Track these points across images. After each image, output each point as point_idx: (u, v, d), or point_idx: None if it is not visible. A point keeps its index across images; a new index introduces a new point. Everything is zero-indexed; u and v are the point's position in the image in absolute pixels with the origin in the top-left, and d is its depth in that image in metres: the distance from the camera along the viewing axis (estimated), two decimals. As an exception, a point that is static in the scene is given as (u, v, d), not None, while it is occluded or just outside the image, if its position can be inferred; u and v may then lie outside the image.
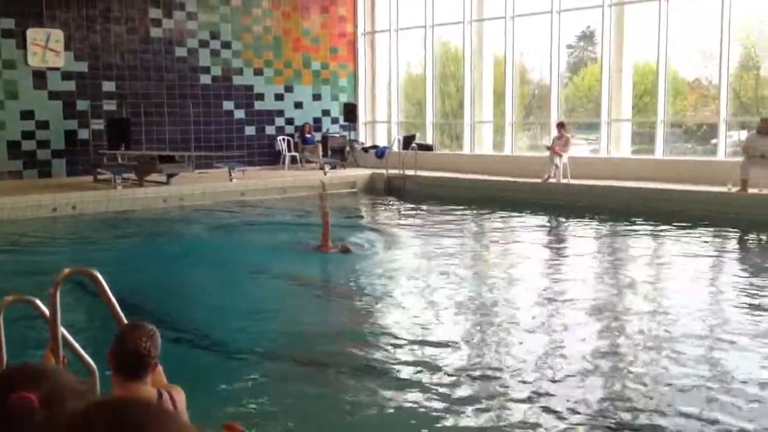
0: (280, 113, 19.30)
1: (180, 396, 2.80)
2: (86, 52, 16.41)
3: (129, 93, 16.91)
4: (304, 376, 5.39)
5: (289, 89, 19.39)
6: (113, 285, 3.12)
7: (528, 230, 11.98)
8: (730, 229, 11.15)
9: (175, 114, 17.44)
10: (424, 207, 14.34)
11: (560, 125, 15.13)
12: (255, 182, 15.94)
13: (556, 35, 16.61)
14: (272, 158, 18.75)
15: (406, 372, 5.29)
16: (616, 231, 11.66)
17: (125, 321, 3.05)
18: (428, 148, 18.30)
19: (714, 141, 15.25)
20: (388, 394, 4.88)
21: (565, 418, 4.43)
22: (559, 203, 13.62)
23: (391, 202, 15.53)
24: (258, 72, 18.86)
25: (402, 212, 14.40)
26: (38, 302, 3.10)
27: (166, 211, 13.79)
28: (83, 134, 16.33)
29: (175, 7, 17.55)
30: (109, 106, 16.64)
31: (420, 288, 7.98)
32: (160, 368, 2.84)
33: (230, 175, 15.74)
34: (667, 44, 15.00)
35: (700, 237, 10.73)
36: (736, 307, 7.02)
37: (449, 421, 4.46)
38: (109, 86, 16.68)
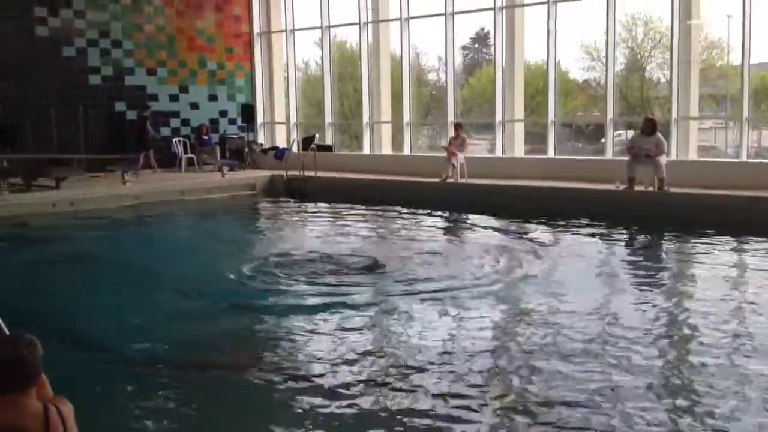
0: (176, 114, 18.88)
1: (67, 408, 2.69)
2: (-34, 52, 15.60)
3: (14, 95, 16.12)
4: (192, 380, 5.31)
5: (184, 90, 18.99)
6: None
7: (426, 226, 12.23)
8: (619, 225, 11.60)
9: (64, 116, 16.76)
10: (326, 207, 14.39)
11: (457, 126, 15.42)
12: (150, 185, 15.52)
13: (450, 37, 16.92)
14: (168, 161, 18.31)
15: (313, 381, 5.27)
16: (509, 228, 11.91)
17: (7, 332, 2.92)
18: (328, 148, 18.28)
19: (603, 140, 15.86)
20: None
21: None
22: (456, 202, 13.83)
23: (291, 204, 15.44)
24: (151, 72, 18.39)
25: (306, 213, 14.41)
26: None
27: (55, 216, 13.26)
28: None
29: (61, 5, 16.91)
30: (-7, 108, 15.87)
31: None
32: (45, 380, 2.71)
33: (123, 178, 15.28)
34: (555, 46, 15.44)
35: (590, 232, 11.13)
36: (627, 298, 7.35)
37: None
38: (-9, 88, 15.90)
